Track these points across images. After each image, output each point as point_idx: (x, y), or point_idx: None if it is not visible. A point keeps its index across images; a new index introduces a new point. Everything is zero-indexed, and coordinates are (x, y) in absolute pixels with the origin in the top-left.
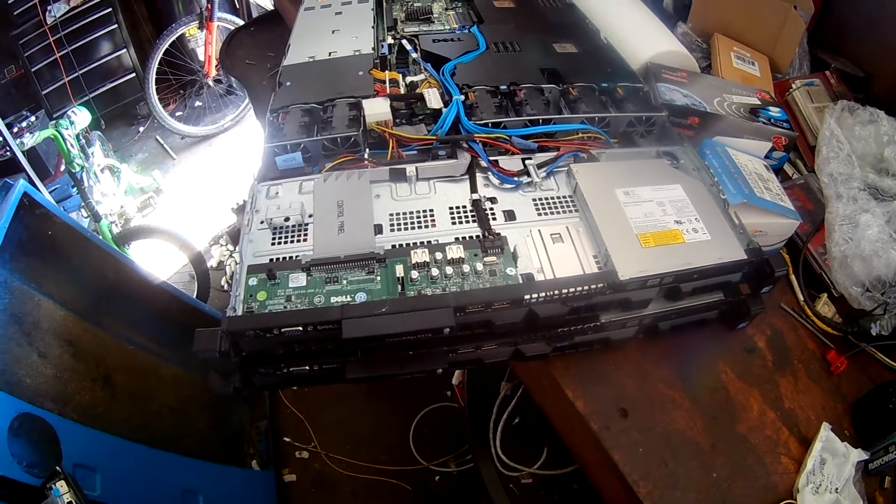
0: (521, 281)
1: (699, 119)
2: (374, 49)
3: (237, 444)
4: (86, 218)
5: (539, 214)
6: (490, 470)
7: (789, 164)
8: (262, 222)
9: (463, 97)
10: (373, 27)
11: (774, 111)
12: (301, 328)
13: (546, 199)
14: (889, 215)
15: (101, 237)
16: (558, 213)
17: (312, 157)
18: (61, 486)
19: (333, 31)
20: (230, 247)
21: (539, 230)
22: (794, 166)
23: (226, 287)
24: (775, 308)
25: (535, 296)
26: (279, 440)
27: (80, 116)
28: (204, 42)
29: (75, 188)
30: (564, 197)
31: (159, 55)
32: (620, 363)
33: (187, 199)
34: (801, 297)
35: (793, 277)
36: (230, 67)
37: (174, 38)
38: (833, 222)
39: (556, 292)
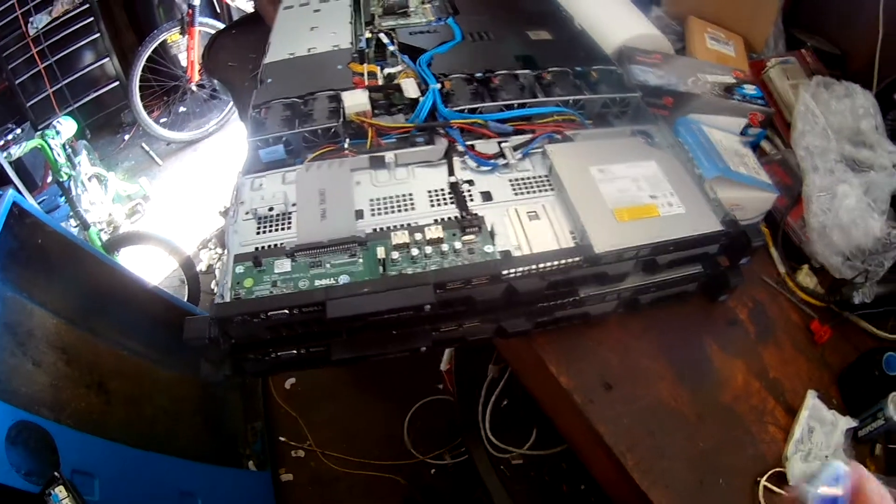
0: (499, 258)
1: (673, 98)
2: (352, 44)
3: (233, 445)
4: (75, 227)
5: (516, 194)
6: (481, 453)
7: (766, 141)
8: (247, 213)
9: (439, 85)
10: (351, 23)
11: (749, 88)
12: (287, 311)
13: (522, 179)
14: (866, 185)
15: (90, 244)
16: (534, 192)
17: (295, 149)
18: (60, 491)
19: (312, 28)
20: (218, 250)
21: (516, 209)
22: (771, 142)
23: (216, 290)
24: (756, 281)
25: (512, 271)
26: (274, 440)
27: (66, 126)
28: (186, 47)
29: (63, 198)
30: (540, 177)
31: (142, 62)
32: (602, 338)
33: (175, 205)
34: (782, 270)
35: (773, 250)
36: (213, 71)
37: (156, 44)
38: (810, 194)
39: (534, 267)
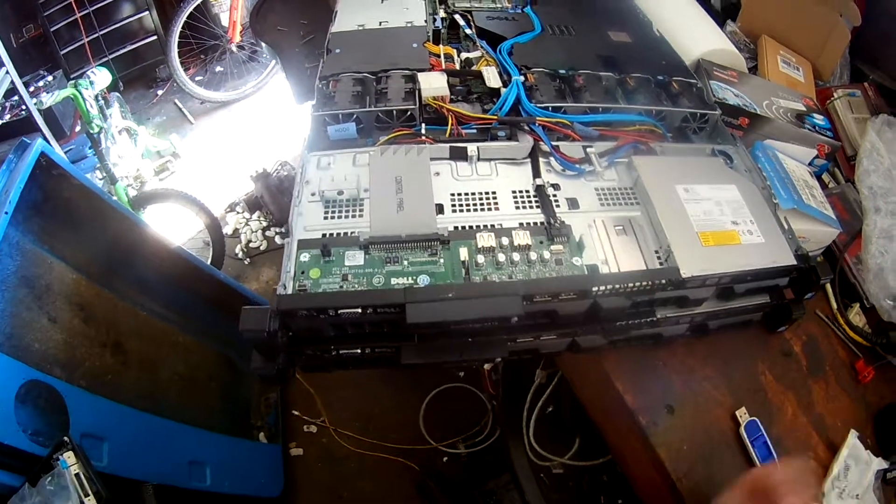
0: (586, 272)
1: (749, 120)
2: (426, 22)
3: (245, 415)
4: (101, 179)
5: (602, 205)
6: (521, 458)
7: (827, 173)
8: (312, 194)
9: (522, 78)
10: None
11: (819, 119)
12: (360, 310)
13: (608, 189)
14: None
15: (117, 200)
16: (620, 204)
17: (364, 128)
18: (69, 457)
19: (383, 1)
20: (246, 214)
21: (603, 221)
22: (831, 175)
23: (240, 255)
24: (810, 314)
25: (602, 288)
26: (288, 413)
27: (100, 77)
28: (229, 7)
29: (91, 149)
30: (625, 188)
31: (183, 18)
32: (668, 359)
33: (204, 165)
34: (834, 305)
35: (828, 285)
36: (261, 33)
37: (199, 1)
38: (870, 234)
39: (622, 285)
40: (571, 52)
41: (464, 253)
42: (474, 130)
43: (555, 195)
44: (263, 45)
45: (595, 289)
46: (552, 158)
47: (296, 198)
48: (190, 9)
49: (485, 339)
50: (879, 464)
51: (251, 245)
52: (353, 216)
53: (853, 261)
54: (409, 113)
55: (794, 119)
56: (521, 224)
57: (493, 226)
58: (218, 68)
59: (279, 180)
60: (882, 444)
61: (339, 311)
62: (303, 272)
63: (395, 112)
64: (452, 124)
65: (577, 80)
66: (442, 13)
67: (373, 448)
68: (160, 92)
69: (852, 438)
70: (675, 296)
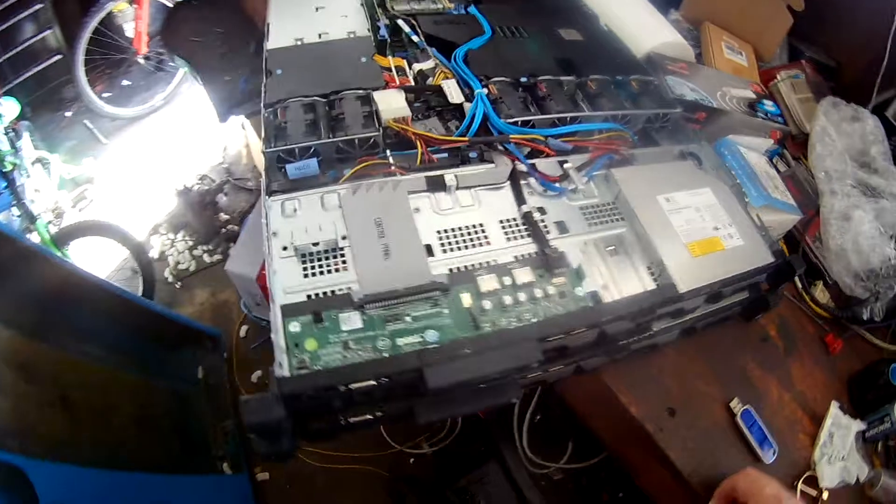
0: (589, 301)
1: (706, 114)
2: (369, 31)
3: (204, 448)
4: (17, 218)
5: (589, 225)
6: (521, 469)
7: (778, 156)
8: (284, 248)
9: (485, 91)
10: (362, 4)
11: (769, 105)
12: (374, 382)
13: (591, 206)
14: (877, 211)
15: (38, 240)
16: (606, 221)
17: (323, 160)
18: None
19: (318, 9)
20: (171, 235)
21: (595, 243)
22: (780, 157)
23: (170, 279)
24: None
25: (609, 317)
26: (246, 438)
27: (8, 108)
28: (134, 17)
29: (7, 188)
30: (607, 204)
31: (88, 33)
32: (663, 365)
33: (122, 188)
34: (800, 285)
35: None
36: (175, 47)
37: (103, 14)
38: (828, 216)
39: (628, 311)
40: (527, 55)
41: (466, 299)
42: (445, 154)
43: (542, 220)
44: (178, 59)
45: (605, 319)
46: (531, 179)
47: (267, 254)
48: (95, 22)
49: (498, 384)
50: (858, 425)
51: (180, 267)
52: (336, 269)
53: (813, 241)
54: (371, 140)
55: (746, 108)
56: (515, 258)
57: (488, 263)
58: (125, 82)
59: (201, 195)
60: (857, 407)
61: (351, 387)
62: (296, 345)
63: (356, 140)
64: (423, 151)
65: (539, 89)
66: (384, 20)
67: (338, 461)
68: (68, 114)
69: (833, 408)
70: (672, 309)
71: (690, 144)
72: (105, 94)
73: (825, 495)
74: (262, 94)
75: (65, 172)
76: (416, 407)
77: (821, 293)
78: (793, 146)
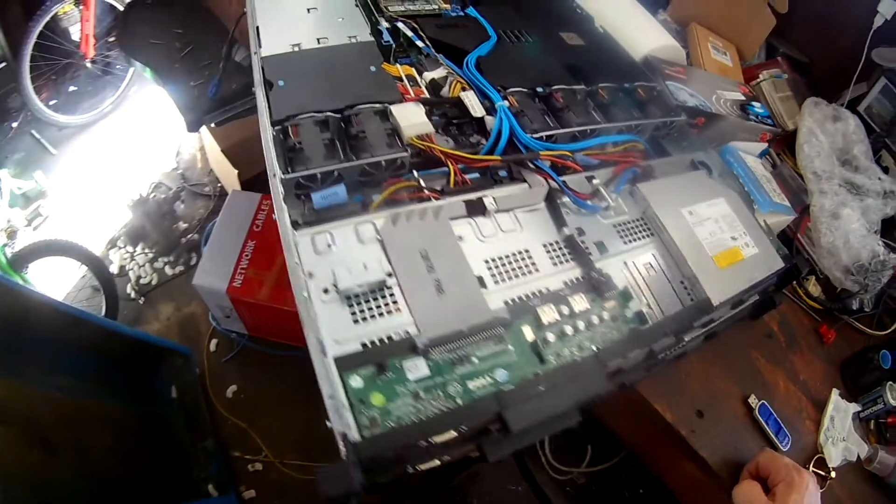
0: (636, 321)
1: (705, 119)
2: (372, 35)
3: (186, 471)
4: None
5: (625, 243)
6: (545, 478)
7: (766, 155)
8: (325, 291)
9: (507, 103)
10: (356, 5)
11: (758, 107)
12: (455, 433)
13: (622, 223)
14: (862, 209)
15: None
16: (637, 238)
17: (346, 183)
18: None
19: (309, 10)
20: (129, 248)
21: (633, 261)
22: (768, 157)
23: (133, 295)
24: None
25: (658, 336)
26: (228, 456)
27: None
28: (80, 19)
29: None
30: (637, 220)
31: (34, 38)
32: (688, 370)
33: (76, 200)
34: (794, 281)
35: None
36: (132, 50)
37: (48, 17)
38: (818, 215)
39: (672, 328)
40: (536, 62)
41: (528, 332)
42: (476, 174)
43: (583, 241)
44: (137, 64)
45: (657, 341)
46: (566, 198)
47: (303, 300)
48: (40, 27)
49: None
50: (854, 408)
51: (142, 281)
52: (388, 311)
53: (804, 237)
54: (399, 161)
55: (739, 111)
56: (565, 283)
57: (541, 292)
58: (72, 88)
59: (157, 204)
60: (851, 390)
61: (433, 441)
62: (361, 401)
63: (383, 162)
64: (455, 171)
65: (556, 99)
66: (385, 23)
67: None
68: (14, 125)
69: (834, 395)
70: (705, 321)
71: (697, 152)
72: (51, 102)
73: (833, 474)
74: (265, 109)
75: (14, 187)
76: (484, 447)
77: (813, 287)
78: (776, 144)
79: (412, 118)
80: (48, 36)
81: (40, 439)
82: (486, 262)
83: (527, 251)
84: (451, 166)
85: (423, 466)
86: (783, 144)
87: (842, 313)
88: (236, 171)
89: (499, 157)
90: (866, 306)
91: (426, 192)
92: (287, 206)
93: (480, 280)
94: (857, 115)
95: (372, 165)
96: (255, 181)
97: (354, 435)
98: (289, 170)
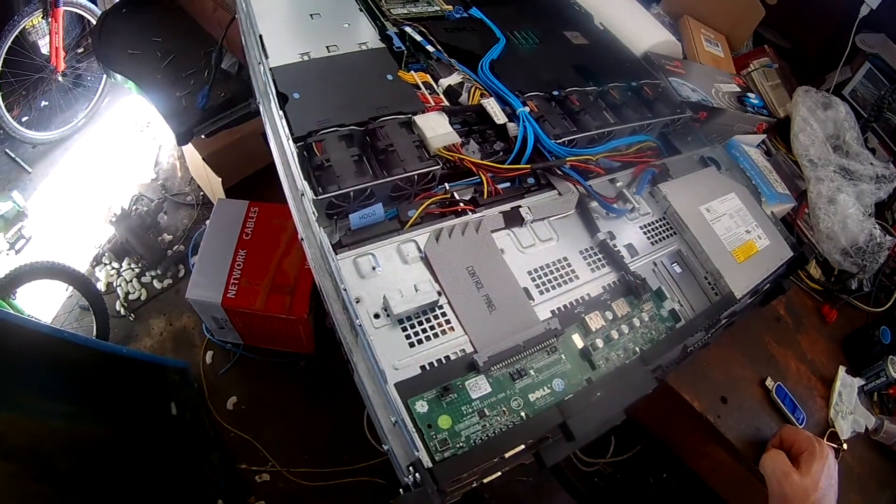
0: (672, 321)
1: (707, 113)
2: (382, 41)
3: (196, 488)
4: None
5: (652, 244)
6: (575, 471)
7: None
8: (376, 317)
9: (527, 109)
10: (360, 9)
11: (753, 97)
12: (524, 445)
13: (648, 225)
14: (857, 194)
15: None
16: (663, 238)
17: (378, 199)
18: None
19: (312, 16)
20: (115, 264)
21: (662, 262)
22: (763, 145)
23: (122, 312)
24: None
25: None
26: (235, 469)
27: None
28: (49, 31)
29: None
30: (659, 220)
31: (2, 55)
32: (709, 358)
33: (56, 219)
34: None
35: None
36: (110, 62)
37: (16, 33)
38: (816, 200)
39: (703, 324)
40: (547, 64)
41: (578, 340)
42: (507, 184)
43: (615, 245)
44: (118, 77)
45: (691, 337)
46: (594, 203)
47: (352, 327)
48: (9, 42)
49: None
50: (858, 382)
51: (130, 297)
52: (443, 331)
53: (803, 223)
54: (430, 174)
55: (737, 103)
56: (604, 288)
57: (583, 298)
58: (43, 103)
59: (140, 218)
60: (854, 365)
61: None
62: (429, 426)
63: (416, 177)
64: (488, 182)
65: (573, 102)
66: (393, 28)
67: (332, 476)
68: None
69: (841, 372)
70: (729, 313)
71: (705, 148)
72: (23, 119)
73: (845, 446)
74: (281, 124)
75: None
76: (541, 452)
77: (814, 269)
78: (769, 131)
79: (437, 129)
80: (17, 51)
81: (45, 470)
82: (530, 273)
83: (565, 259)
84: (483, 177)
85: (488, 479)
86: (775, 132)
87: (841, 293)
88: (220, 179)
89: (528, 166)
90: (864, 286)
91: (461, 205)
92: (315, 229)
93: (527, 292)
94: (842, 99)
95: (404, 180)
96: (238, 187)
97: (427, 460)
98: (319, 189)
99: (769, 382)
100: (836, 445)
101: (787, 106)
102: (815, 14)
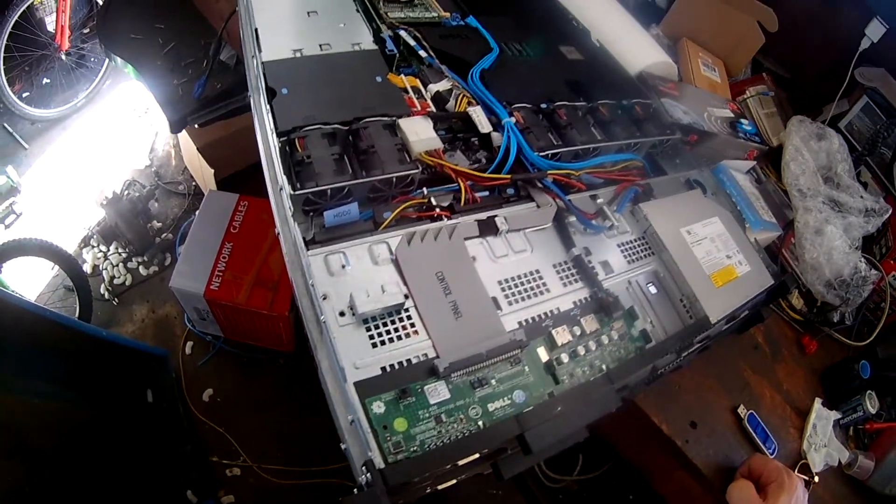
0: (641, 340)
1: (697, 136)
2: (375, 43)
3: (166, 477)
4: None
5: (628, 262)
6: (541, 487)
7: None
8: (341, 314)
9: (513, 120)
10: (357, 10)
11: (746, 124)
12: (479, 454)
13: (626, 243)
14: (845, 227)
15: None
16: (640, 257)
17: (355, 199)
18: None
19: (310, 13)
20: (103, 247)
21: (637, 281)
22: (754, 172)
23: (106, 296)
24: None
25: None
26: (206, 461)
27: None
28: (56, 9)
29: None
30: (638, 239)
31: (7, 30)
32: (681, 382)
33: (49, 197)
34: None
35: None
36: (112, 45)
37: (24, 8)
38: (803, 231)
39: (675, 346)
40: (538, 77)
41: (542, 353)
42: (486, 193)
43: (590, 261)
44: (118, 61)
45: (661, 359)
46: (572, 218)
47: (317, 323)
48: (14, 18)
49: None
50: (834, 415)
51: (115, 282)
52: (407, 334)
53: (788, 252)
54: (409, 178)
55: (729, 128)
56: (574, 304)
57: (552, 312)
58: (45, 80)
59: (131, 203)
60: (831, 398)
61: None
62: (384, 427)
63: (394, 179)
64: (466, 190)
65: (560, 116)
66: (388, 31)
67: (303, 475)
68: None
69: (816, 404)
70: (703, 337)
71: (692, 171)
72: (24, 94)
73: (816, 479)
74: (267, 118)
75: None
76: (499, 464)
77: (796, 300)
78: (760, 159)
79: (420, 133)
80: (23, 26)
81: (19, 449)
82: (500, 283)
83: (538, 271)
84: (461, 184)
85: (442, 486)
86: (767, 160)
87: (823, 325)
88: (212, 171)
89: (508, 176)
90: (847, 319)
91: (437, 210)
92: (290, 225)
93: (495, 301)
94: (837, 131)
95: (382, 182)
96: (230, 180)
97: (379, 461)
98: (297, 185)
99: (742, 410)
100: (807, 478)
101: (781, 135)
102: (816, 44)
